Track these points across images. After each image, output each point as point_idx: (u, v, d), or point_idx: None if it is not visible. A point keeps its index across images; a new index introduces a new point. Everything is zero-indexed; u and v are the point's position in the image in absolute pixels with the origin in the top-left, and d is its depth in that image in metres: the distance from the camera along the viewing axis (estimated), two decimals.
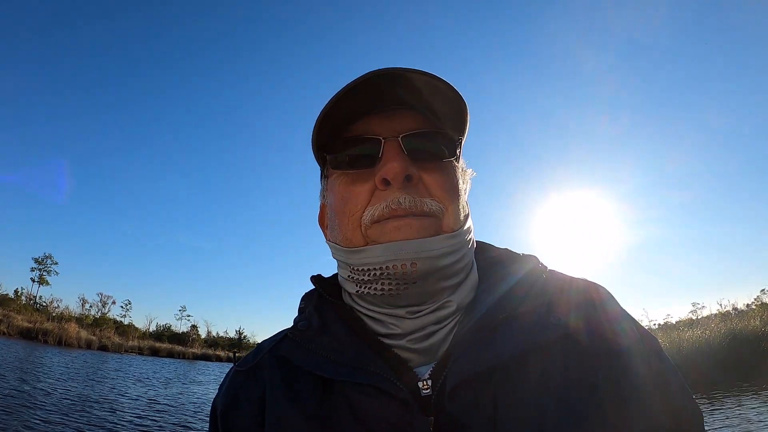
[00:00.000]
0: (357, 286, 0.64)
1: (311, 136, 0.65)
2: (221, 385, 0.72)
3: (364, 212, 0.61)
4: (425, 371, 0.59)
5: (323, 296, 0.71)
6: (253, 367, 0.69)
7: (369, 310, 0.65)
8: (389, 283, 0.59)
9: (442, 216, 0.61)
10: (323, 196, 0.74)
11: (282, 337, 0.70)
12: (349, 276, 0.65)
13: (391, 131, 0.62)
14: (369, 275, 0.61)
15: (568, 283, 0.66)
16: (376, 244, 0.60)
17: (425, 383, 0.57)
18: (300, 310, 0.72)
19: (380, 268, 0.59)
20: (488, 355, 0.55)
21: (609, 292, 0.67)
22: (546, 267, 0.68)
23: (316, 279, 0.74)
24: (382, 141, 0.61)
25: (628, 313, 0.65)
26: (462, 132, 0.67)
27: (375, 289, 0.61)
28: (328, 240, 0.72)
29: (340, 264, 0.68)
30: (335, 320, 0.66)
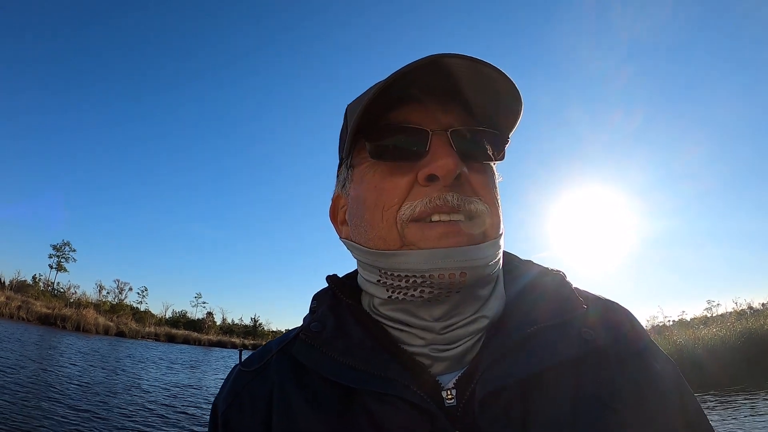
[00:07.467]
0: (389, 291, 0.58)
1: (348, 119, 0.60)
2: (223, 385, 0.68)
3: (401, 207, 0.56)
4: (448, 380, 0.56)
5: (338, 297, 0.66)
6: (260, 368, 0.64)
7: (394, 320, 0.60)
8: (430, 291, 0.54)
9: (487, 219, 0.57)
10: (343, 187, 0.66)
11: (292, 337, 0.66)
12: (378, 281, 0.59)
13: (438, 124, 0.57)
14: (407, 282, 0.55)
15: (594, 301, 0.63)
16: (416, 248, 0.54)
17: (449, 393, 0.54)
18: (312, 310, 0.66)
19: (422, 276, 0.54)
20: (517, 367, 0.52)
21: (632, 313, 0.65)
22: (571, 284, 0.64)
23: (332, 279, 0.69)
24: (430, 134, 0.56)
25: (649, 336, 0.64)
26: (510, 132, 0.62)
27: (412, 295, 0.56)
28: (344, 238, 0.67)
29: (366, 267, 0.62)
30: (352, 323, 0.61)
